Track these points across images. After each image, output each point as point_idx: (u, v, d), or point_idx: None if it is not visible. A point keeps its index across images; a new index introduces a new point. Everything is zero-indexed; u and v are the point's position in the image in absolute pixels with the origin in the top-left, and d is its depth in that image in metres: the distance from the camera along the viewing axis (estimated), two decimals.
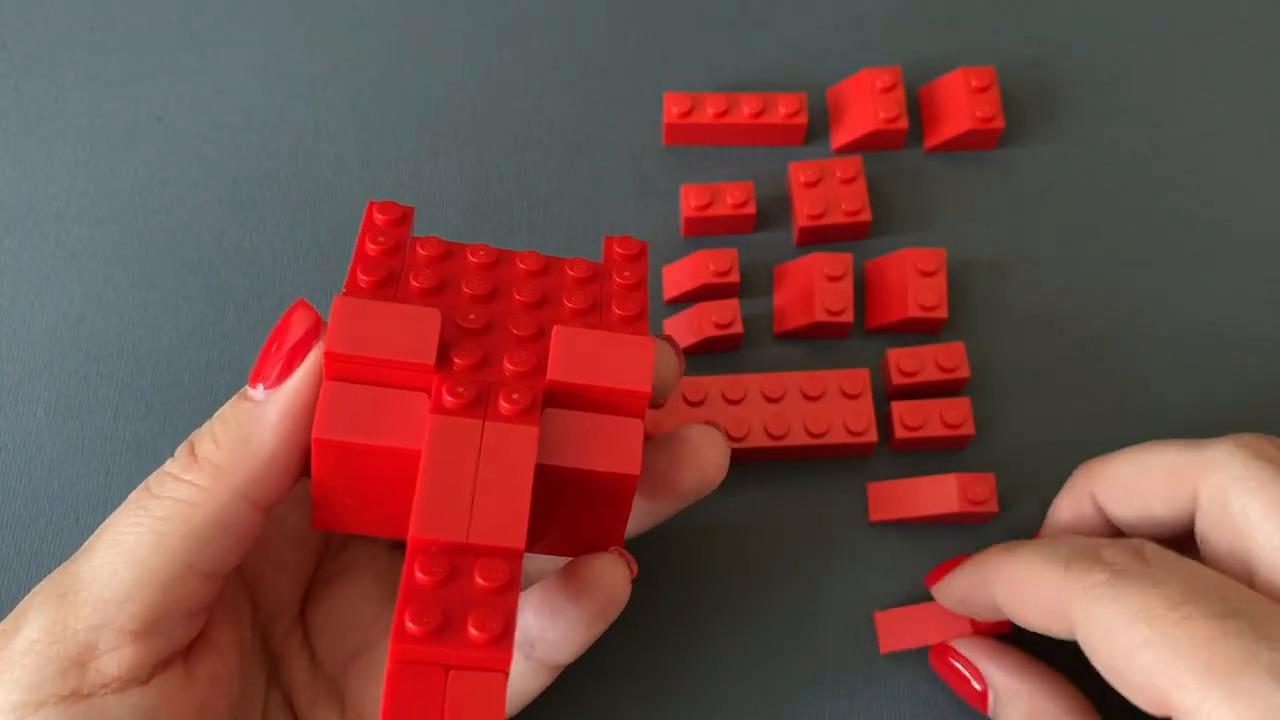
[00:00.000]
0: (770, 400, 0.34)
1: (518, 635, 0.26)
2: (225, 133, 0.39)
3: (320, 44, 0.41)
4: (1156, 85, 0.40)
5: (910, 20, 0.41)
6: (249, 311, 0.37)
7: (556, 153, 0.39)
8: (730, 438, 0.34)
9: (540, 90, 0.40)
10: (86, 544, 0.25)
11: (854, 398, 0.34)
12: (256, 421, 0.24)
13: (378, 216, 0.26)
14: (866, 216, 0.37)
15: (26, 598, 0.25)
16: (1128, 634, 0.24)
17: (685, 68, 0.40)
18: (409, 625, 0.21)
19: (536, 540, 0.26)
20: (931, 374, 0.34)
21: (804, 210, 0.37)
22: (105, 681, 0.23)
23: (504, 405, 0.23)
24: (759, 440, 0.34)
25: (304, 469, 0.25)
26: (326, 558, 0.30)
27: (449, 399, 0.23)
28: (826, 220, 0.37)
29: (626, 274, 0.27)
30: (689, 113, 0.38)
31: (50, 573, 0.25)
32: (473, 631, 0.21)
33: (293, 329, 0.25)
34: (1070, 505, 0.31)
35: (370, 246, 0.26)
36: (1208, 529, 0.27)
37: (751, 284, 0.37)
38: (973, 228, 0.38)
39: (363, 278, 0.25)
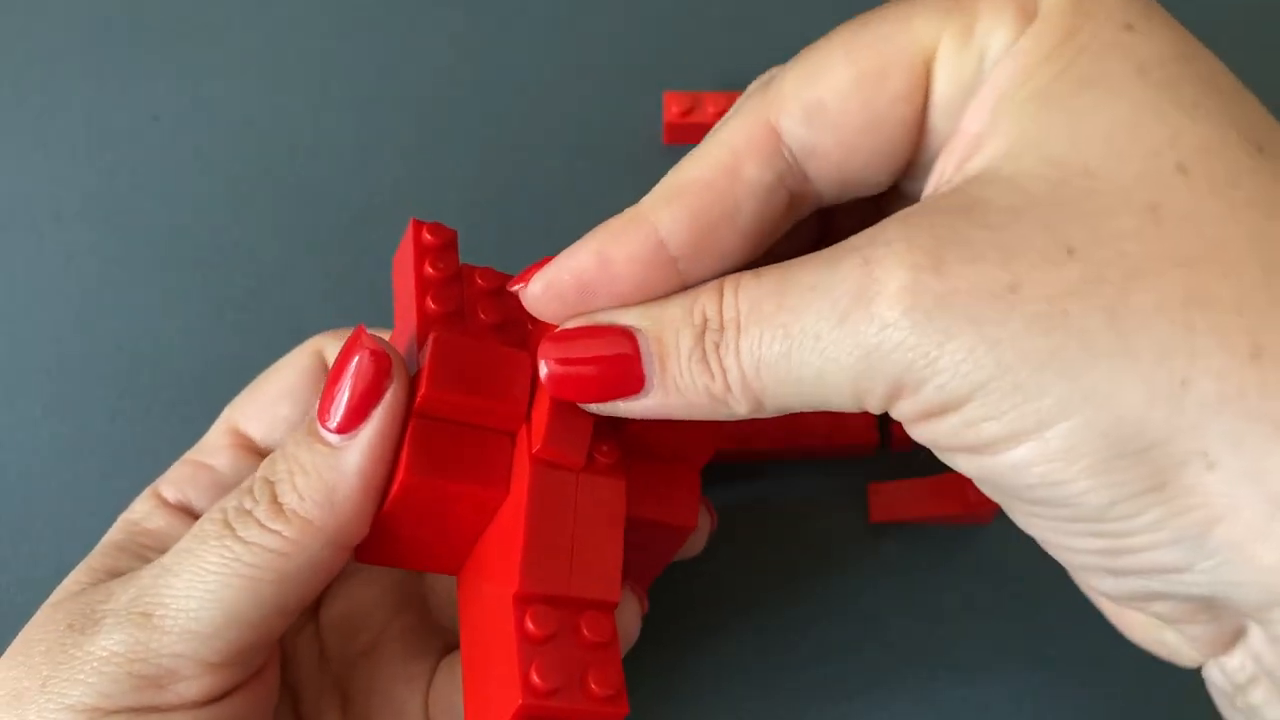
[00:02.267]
0: None
1: None
2: (223, 132, 0.39)
3: (319, 44, 0.41)
4: None
5: None
6: (248, 311, 0.37)
7: (556, 153, 0.39)
8: (731, 438, 0.34)
9: (540, 90, 0.40)
10: (167, 563, 0.24)
11: None
12: (339, 472, 0.23)
13: (428, 237, 0.26)
14: None
15: (82, 594, 0.25)
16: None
17: (685, 67, 0.40)
18: (535, 680, 0.21)
19: None
20: None
21: None
22: (182, 703, 0.23)
23: (596, 458, 0.24)
24: (759, 440, 0.34)
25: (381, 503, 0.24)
26: None
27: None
28: None
29: None
30: (689, 112, 0.38)
31: (85, 561, 0.25)
32: (594, 688, 0.21)
33: (362, 366, 0.23)
34: (748, 142, 0.22)
35: (430, 270, 0.25)
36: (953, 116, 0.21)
37: None
38: None
39: (432, 305, 0.25)
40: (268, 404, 0.29)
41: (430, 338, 0.23)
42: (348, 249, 0.38)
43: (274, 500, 0.24)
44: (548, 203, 0.38)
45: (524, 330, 0.26)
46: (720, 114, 0.38)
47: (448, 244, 0.26)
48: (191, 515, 0.28)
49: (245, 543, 0.24)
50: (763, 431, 0.34)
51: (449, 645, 0.30)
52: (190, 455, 0.29)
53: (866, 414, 0.33)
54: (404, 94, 0.40)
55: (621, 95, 0.40)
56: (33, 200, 0.38)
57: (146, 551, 0.27)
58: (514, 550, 0.22)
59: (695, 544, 0.29)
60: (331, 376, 0.23)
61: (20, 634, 0.25)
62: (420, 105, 0.40)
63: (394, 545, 0.24)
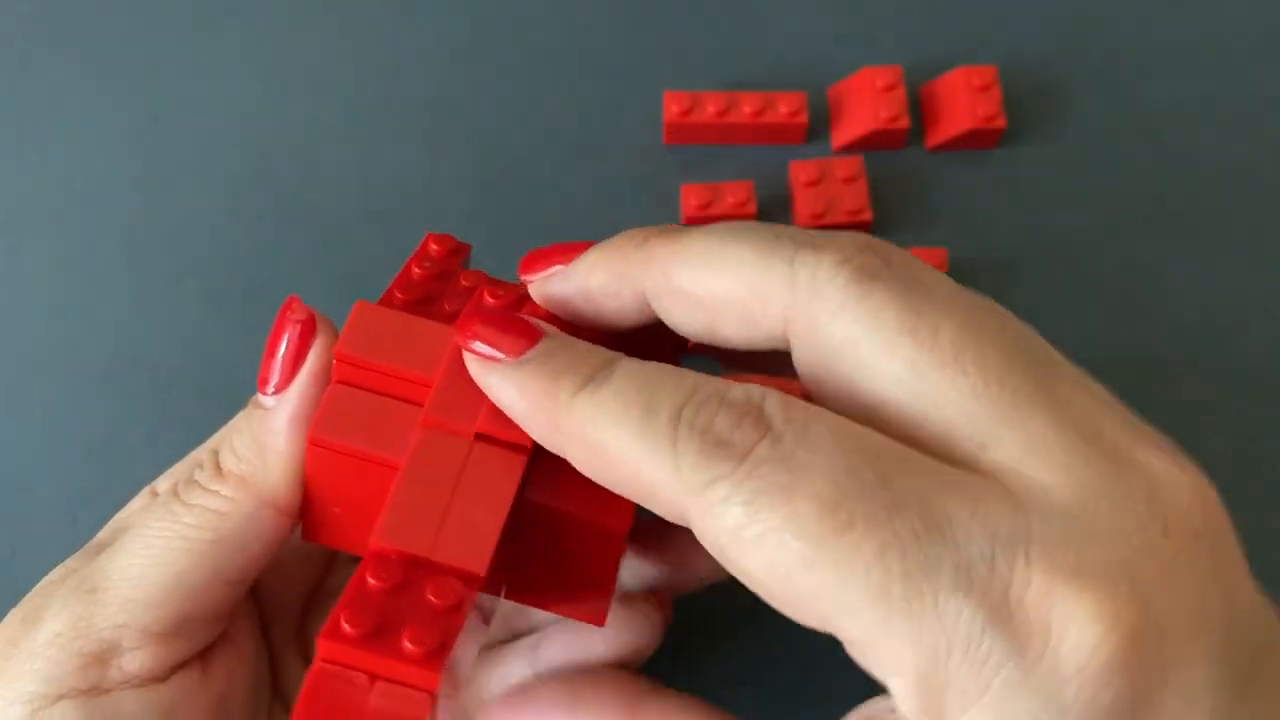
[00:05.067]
0: None
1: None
2: (222, 132, 0.39)
3: (320, 44, 0.40)
4: (1159, 84, 0.40)
5: (911, 19, 0.41)
6: (248, 311, 0.37)
7: (556, 153, 0.39)
8: None
9: (540, 90, 0.40)
10: (107, 539, 0.25)
11: None
12: (269, 429, 0.24)
13: (433, 246, 0.26)
14: (867, 216, 0.37)
15: (46, 585, 0.25)
16: (778, 551, 0.18)
17: (685, 66, 0.40)
18: (344, 626, 0.20)
19: (518, 587, 0.25)
20: None
21: (805, 210, 0.37)
22: (125, 679, 0.23)
23: (500, 435, 0.22)
24: None
25: None
26: (329, 572, 0.30)
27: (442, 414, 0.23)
28: (827, 220, 0.36)
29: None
30: (689, 111, 0.38)
31: (66, 560, 0.25)
32: (407, 645, 0.20)
33: (288, 329, 0.25)
34: (606, 289, 0.23)
35: (415, 270, 0.25)
36: (810, 366, 0.21)
37: None
38: (974, 227, 0.38)
39: (398, 295, 0.25)
40: None
41: (354, 308, 0.24)
42: (348, 249, 0.37)
43: (216, 464, 0.25)
44: (548, 202, 0.38)
45: None
46: (720, 114, 0.38)
47: (451, 251, 0.26)
48: None
49: (188, 505, 0.24)
50: None
51: None
52: (193, 454, 0.29)
53: None
54: (404, 94, 0.40)
55: (621, 95, 0.40)
56: (32, 200, 0.38)
57: None
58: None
59: (645, 645, 0.27)
60: (268, 345, 0.25)
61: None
62: (420, 105, 0.40)
63: (325, 521, 0.25)
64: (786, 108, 0.38)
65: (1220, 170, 0.39)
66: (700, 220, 0.37)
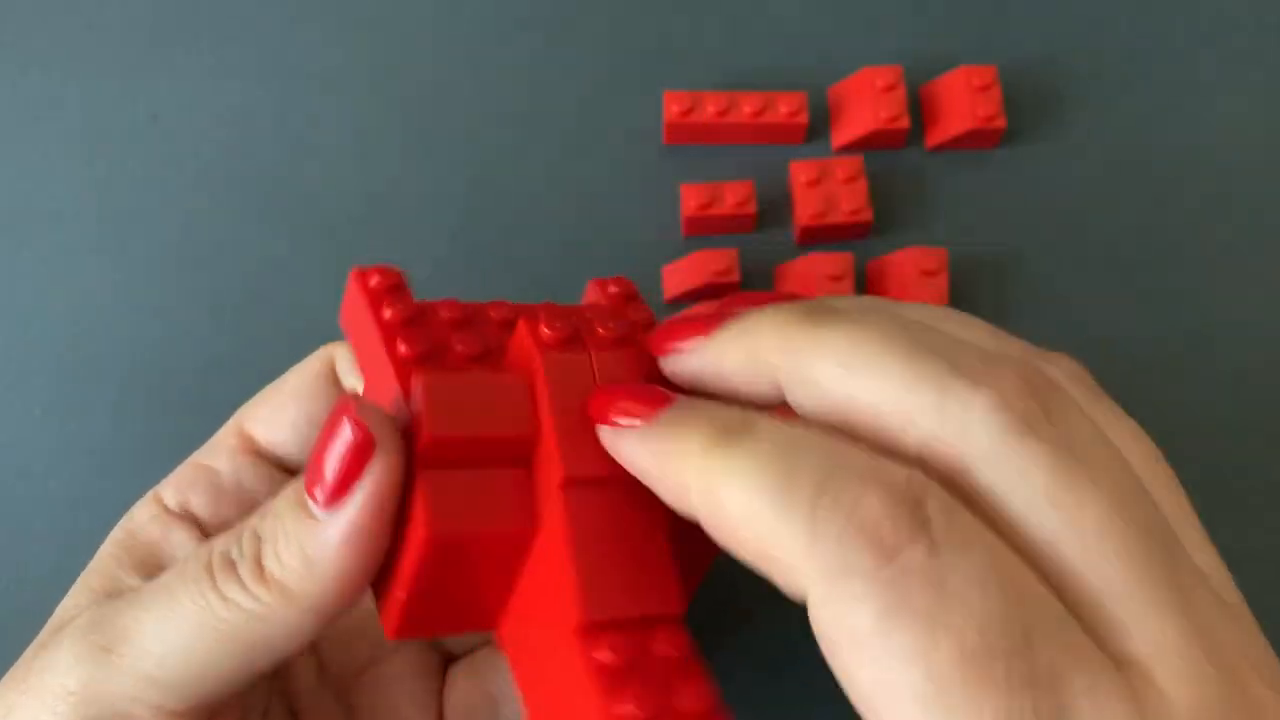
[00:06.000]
0: None
1: None
2: (222, 132, 0.39)
3: (319, 44, 0.40)
4: (1158, 85, 0.40)
5: (911, 18, 0.41)
6: (248, 311, 0.37)
7: (556, 152, 0.39)
8: None
9: (540, 90, 0.40)
10: (144, 597, 0.23)
11: None
12: (320, 544, 0.22)
13: (375, 281, 0.24)
14: (867, 216, 0.37)
15: (63, 617, 0.24)
16: (898, 675, 0.18)
17: (685, 66, 0.40)
18: (624, 715, 0.19)
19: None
20: None
21: (805, 210, 0.37)
22: None
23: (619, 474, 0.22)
24: None
25: (371, 576, 0.23)
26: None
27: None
28: (827, 220, 0.36)
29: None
30: (689, 111, 0.38)
31: (82, 581, 0.25)
32: (686, 706, 0.20)
33: (344, 440, 0.22)
34: (736, 366, 0.22)
35: (389, 314, 0.23)
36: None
37: (752, 284, 0.37)
38: (974, 227, 0.38)
39: (404, 349, 0.23)
40: (275, 407, 0.28)
41: (418, 383, 0.22)
42: (348, 249, 0.37)
43: (258, 560, 0.23)
44: (547, 202, 0.38)
45: (503, 356, 0.24)
46: (720, 114, 0.38)
47: (398, 284, 0.24)
48: (192, 521, 0.27)
49: (224, 598, 0.23)
50: None
51: (448, 654, 0.29)
52: (194, 457, 0.29)
53: None
54: (404, 94, 0.40)
55: (621, 95, 0.40)
56: (32, 200, 0.38)
57: (143, 565, 0.26)
58: (563, 583, 0.21)
59: None
60: (317, 446, 0.22)
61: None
62: (420, 105, 0.40)
63: (427, 614, 0.23)
64: (786, 108, 0.38)
65: (1220, 170, 0.39)
66: (698, 219, 0.37)
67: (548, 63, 0.40)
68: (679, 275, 0.36)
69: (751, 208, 0.37)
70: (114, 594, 0.25)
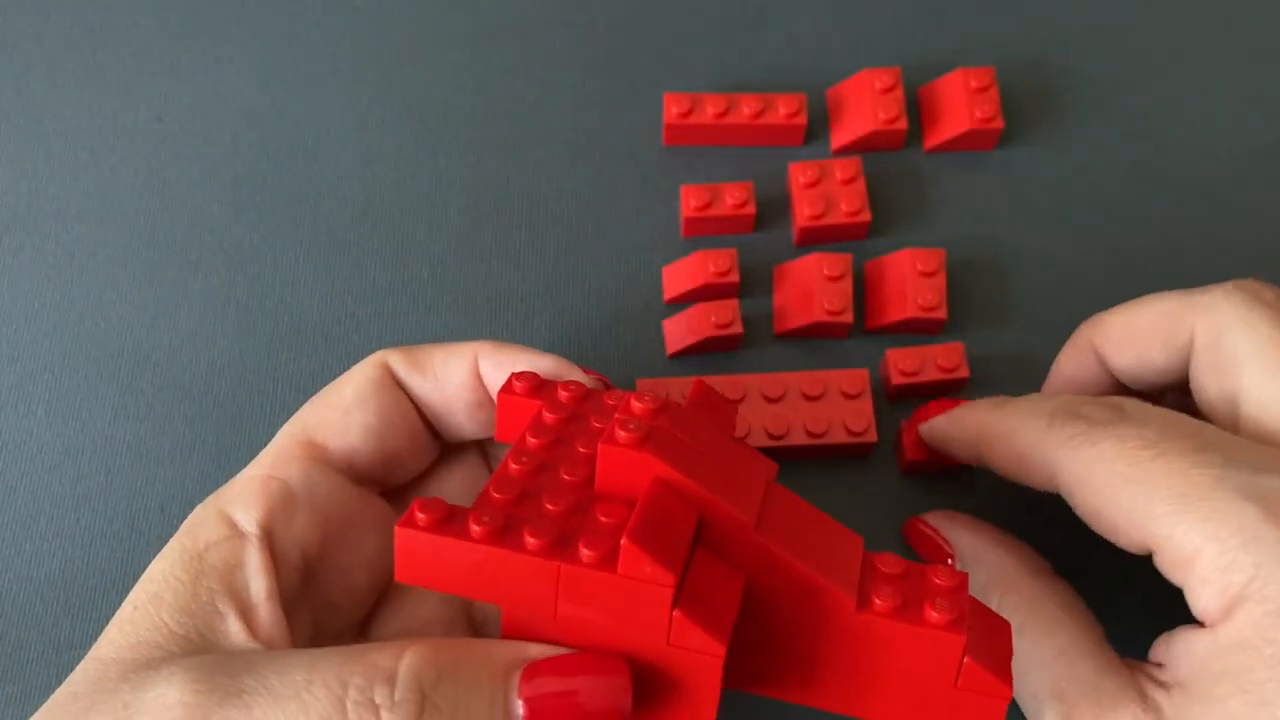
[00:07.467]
0: (770, 400, 0.34)
1: None
2: (225, 133, 0.39)
3: (320, 44, 0.41)
4: (1156, 85, 0.40)
5: (910, 20, 0.41)
6: (249, 311, 0.37)
7: (556, 153, 0.39)
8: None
9: (540, 90, 0.40)
10: (255, 699, 0.21)
11: (854, 398, 0.34)
12: None
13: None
14: (866, 216, 0.37)
15: (142, 662, 0.23)
16: (1107, 475, 0.25)
17: (685, 68, 0.40)
18: (877, 603, 0.23)
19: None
20: (931, 374, 0.35)
21: (804, 210, 0.37)
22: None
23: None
24: (759, 440, 0.34)
25: None
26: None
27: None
28: (826, 220, 0.37)
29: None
30: (689, 113, 0.38)
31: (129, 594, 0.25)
32: (932, 614, 0.22)
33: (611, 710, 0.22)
34: (1072, 358, 0.32)
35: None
36: (1200, 371, 0.28)
37: (751, 284, 0.37)
38: (972, 228, 0.38)
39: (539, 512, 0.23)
40: (341, 413, 0.28)
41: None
42: (348, 249, 0.38)
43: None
44: (548, 203, 0.38)
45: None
46: (720, 115, 0.38)
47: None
48: (267, 538, 0.26)
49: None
50: (762, 431, 0.34)
51: None
52: (255, 469, 0.27)
53: (866, 414, 0.34)
54: (404, 94, 0.40)
55: (621, 95, 0.40)
56: (35, 200, 0.38)
57: (229, 591, 0.25)
58: (811, 589, 0.23)
59: None
60: (568, 671, 0.22)
61: (66, 687, 0.23)
62: (420, 105, 0.40)
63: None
64: (786, 109, 0.38)
65: (1219, 170, 0.39)
66: (698, 220, 0.37)
67: (548, 65, 0.40)
68: (678, 275, 0.36)
69: (751, 208, 0.37)
70: (211, 630, 0.24)
